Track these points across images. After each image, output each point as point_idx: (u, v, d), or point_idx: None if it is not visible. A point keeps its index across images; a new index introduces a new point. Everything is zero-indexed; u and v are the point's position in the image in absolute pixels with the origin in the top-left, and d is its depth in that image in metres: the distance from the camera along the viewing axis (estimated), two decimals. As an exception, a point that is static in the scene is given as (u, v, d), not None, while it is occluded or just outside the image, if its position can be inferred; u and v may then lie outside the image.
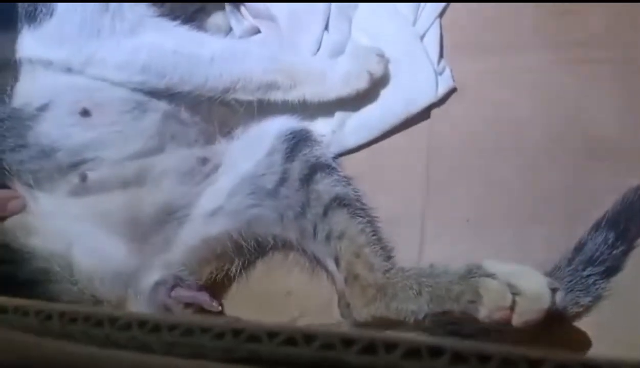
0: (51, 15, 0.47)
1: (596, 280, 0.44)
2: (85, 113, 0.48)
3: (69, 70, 0.48)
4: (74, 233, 0.47)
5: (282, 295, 0.53)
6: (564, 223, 0.48)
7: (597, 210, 0.47)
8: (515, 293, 0.39)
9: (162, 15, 0.51)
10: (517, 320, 0.38)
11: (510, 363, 0.16)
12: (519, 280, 0.39)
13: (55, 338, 0.20)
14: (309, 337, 0.18)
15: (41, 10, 0.46)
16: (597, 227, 0.46)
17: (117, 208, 0.48)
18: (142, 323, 0.19)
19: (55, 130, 0.47)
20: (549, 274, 0.45)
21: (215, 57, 0.51)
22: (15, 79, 0.48)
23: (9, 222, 0.47)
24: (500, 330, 0.40)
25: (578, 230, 0.47)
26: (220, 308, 0.47)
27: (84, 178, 0.47)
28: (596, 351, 0.44)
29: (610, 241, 0.44)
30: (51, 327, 0.20)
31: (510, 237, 0.49)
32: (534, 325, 0.38)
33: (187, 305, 0.48)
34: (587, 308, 0.44)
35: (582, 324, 0.44)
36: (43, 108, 0.47)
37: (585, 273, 0.44)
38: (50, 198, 0.48)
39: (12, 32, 0.47)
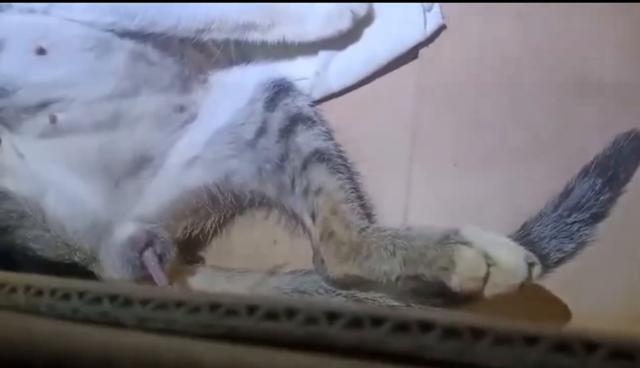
0: None
1: (581, 226, 0.44)
2: (41, 51, 0.45)
3: (30, 11, 0.45)
4: (47, 177, 0.45)
5: (269, 244, 0.52)
6: (552, 166, 0.47)
7: (587, 153, 0.46)
8: (490, 264, 0.37)
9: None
10: (488, 291, 0.37)
11: (505, 340, 0.15)
12: (496, 250, 0.38)
13: (20, 312, 0.18)
14: (291, 311, 0.16)
15: None
16: (585, 172, 0.45)
17: (90, 153, 0.46)
18: (113, 297, 0.18)
19: (12, 69, 0.45)
20: (534, 220, 0.45)
21: None
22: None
23: None
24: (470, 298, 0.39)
25: (566, 174, 0.46)
26: None
27: (53, 119, 0.45)
28: (578, 297, 0.43)
29: (597, 187, 0.44)
30: (15, 300, 0.19)
31: (497, 182, 0.48)
32: (505, 297, 0.37)
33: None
34: (570, 255, 0.44)
35: (564, 270, 0.44)
36: None
37: (570, 219, 0.44)
38: (22, 140, 0.46)
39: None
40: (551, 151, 0.48)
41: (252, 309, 0.16)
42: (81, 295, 0.18)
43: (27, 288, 0.19)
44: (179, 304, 0.17)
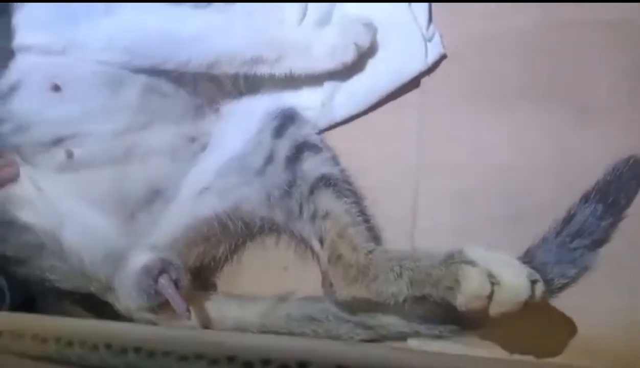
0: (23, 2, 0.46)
1: (583, 252, 0.45)
2: (56, 88, 0.47)
3: (47, 52, 0.46)
4: (64, 210, 0.47)
5: (280, 270, 0.53)
6: (553, 192, 0.48)
7: (588, 178, 0.47)
8: (494, 283, 0.38)
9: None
10: (493, 310, 0.39)
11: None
12: (500, 269, 0.39)
13: (51, 362, 0.20)
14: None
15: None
16: (586, 198, 0.46)
17: (105, 186, 0.48)
18: (137, 349, 0.19)
19: (28, 106, 0.47)
20: (537, 246, 0.46)
21: (198, 33, 0.49)
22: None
23: (0, 194, 0.47)
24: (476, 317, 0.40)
25: (567, 200, 0.47)
26: (190, 318, 0.47)
27: (69, 154, 0.47)
28: (580, 321, 0.45)
29: (598, 213, 0.45)
30: (48, 350, 0.20)
31: (500, 207, 0.49)
32: (511, 315, 0.38)
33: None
34: (574, 279, 0.45)
35: (567, 294, 0.45)
36: (13, 86, 0.47)
37: (572, 245, 0.45)
38: (39, 174, 0.48)
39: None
40: (552, 177, 0.49)
41: (266, 363, 0.18)
42: (108, 346, 0.19)
43: (58, 339, 0.20)
44: (199, 356, 0.18)
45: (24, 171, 0.47)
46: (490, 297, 0.38)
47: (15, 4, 0.47)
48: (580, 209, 0.46)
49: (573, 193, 0.47)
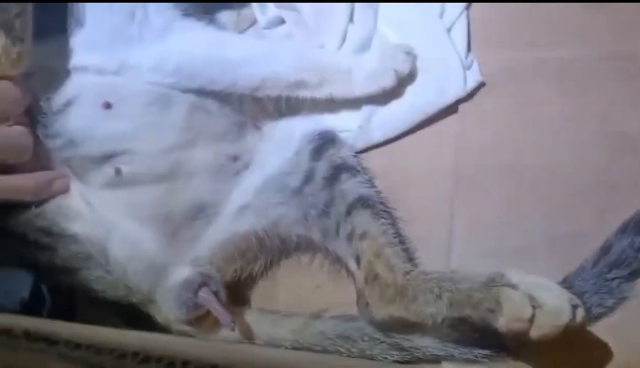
0: (81, 25, 0.48)
1: (621, 282, 0.45)
2: (107, 106, 0.49)
3: (101, 73, 0.49)
4: (110, 223, 0.49)
5: (312, 288, 0.54)
6: (592, 221, 0.49)
7: (627, 209, 0.47)
8: (535, 306, 0.39)
9: (188, 14, 0.52)
10: (534, 332, 0.39)
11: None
12: (541, 293, 0.40)
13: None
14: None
15: (71, 23, 0.48)
16: (624, 228, 0.46)
17: (151, 203, 0.50)
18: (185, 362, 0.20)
19: (80, 122, 0.49)
20: (575, 274, 0.47)
21: (244, 58, 0.51)
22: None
23: (51, 205, 0.48)
24: (516, 340, 0.41)
25: (606, 229, 0.47)
26: (234, 329, 0.48)
27: (118, 171, 0.49)
28: (616, 347, 0.45)
29: (636, 245, 0.45)
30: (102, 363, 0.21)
31: (538, 234, 0.50)
32: (551, 338, 0.39)
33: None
34: (611, 309, 0.45)
35: (604, 325, 0.45)
36: (67, 103, 0.48)
37: (610, 275, 0.45)
38: (88, 188, 0.49)
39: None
40: (590, 205, 0.49)
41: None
42: (159, 360, 0.20)
43: (90, 347, 0.21)
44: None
45: (74, 185, 0.49)
46: (531, 319, 0.39)
47: (74, 26, 0.49)
48: (617, 240, 0.46)
49: (611, 223, 0.47)
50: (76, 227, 0.48)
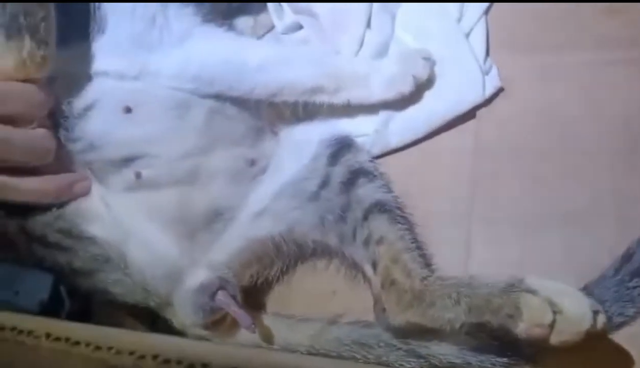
0: (103, 31, 0.49)
1: (643, 291, 0.44)
2: (128, 110, 0.50)
3: (122, 77, 0.49)
4: (129, 226, 0.49)
5: (328, 294, 0.54)
6: (613, 228, 0.48)
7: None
8: (555, 312, 0.39)
9: (208, 20, 0.52)
10: (555, 338, 0.39)
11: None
12: (561, 298, 0.39)
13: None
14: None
15: (93, 28, 0.49)
16: (646, 237, 0.45)
17: (169, 206, 0.50)
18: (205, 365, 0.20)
19: (101, 125, 0.49)
20: (596, 283, 0.46)
21: (262, 64, 0.52)
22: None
23: (71, 208, 0.49)
24: (536, 346, 0.40)
25: (627, 236, 0.46)
26: (255, 331, 0.48)
27: (138, 175, 0.50)
28: (638, 361, 0.43)
29: (659, 253, 0.44)
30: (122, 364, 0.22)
31: (557, 241, 0.49)
32: (571, 345, 0.38)
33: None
34: (632, 318, 0.44)
35: (625, 334, 0.44)
36: (88, 107, 0.49)
37: (631, 284, 0.44)
38: (108, 191, 0.50)
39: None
40: (612, 213, 0.48)
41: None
42: (179, 362, 0.20)
43: (131, 352, 0.21)
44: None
45: (94, 187, 0.50)
46: (552, 325, 0.38)
47: (95, 32, 0.50)
48: (639, 248, 0.45)
49: (633, 231, 0.46)
50: (95, 230, 0.49)
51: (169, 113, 0.50)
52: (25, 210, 0.48)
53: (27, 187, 0.46)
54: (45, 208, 0.48)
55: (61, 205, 0.48)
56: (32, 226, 0.48)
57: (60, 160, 0.48)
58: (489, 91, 0.54)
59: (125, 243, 0.49)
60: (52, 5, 0.46)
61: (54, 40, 0.46)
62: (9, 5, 0.45)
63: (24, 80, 0.46)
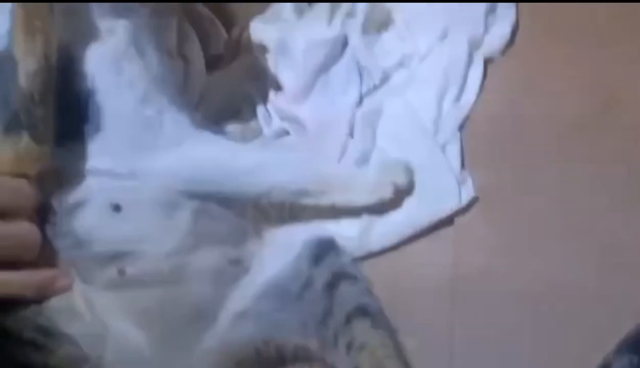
0: (99, 131, 0.51)
1: (622, 402, 0.44)
2: (116, 208, 0.50)
3: (114, 176, 0.51)
4: (110, 325, 0.48)
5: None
6: (589, 340, 0.49)
7: (620, 325, 0.47)
8: None
9: (201, 125, 0.55)
10: None
11: None
12: None
13: None
14: None
15: (90, 128, 0.50)
16: (619, 348, 0.46)
17: (151, 304, 0.50)
18: None
19: (89, 223, 0.50)
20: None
21: (251, 167, 0.54)
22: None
23: (51, 304, 0.48)
24: None
25: (604, 348, 0.47)
26: None
27: (122, 272, 0.49)
28: None
29: (635, 363, 0.45)
30: None
31: (537, 354, 0.50)
32: None
33: None
34: None
35: None
36: (78, 204, 0.50)
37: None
38: (89, 288, 0.49)
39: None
40: (589, 323, 0.50)
41: None
42: None
43: None
44: None
45: (76, 284, 0.49)
46: None
47: (92, 131, 0.51)
48: (615, 360, 0.46)
49: (606, 340, 0.47)
50: (75, 328, 0.47)
51: (157, 212, 0.51)
52: (2, 305, 0.46)
53: (8, 281, 0.46)
54: (24, 303, 0.47)
55: (41, 301, 0.47)
56: (8, 322, 0.46)
57: (44, 256, 0.48)
58: (465, 200, 0.57)
59: (103, 342, 0.48)
60: (52, 103, 0.48)
61: (51, 137, 0.48)
62: (11, 101, 0.46)
63: (17, 175, 0.47)
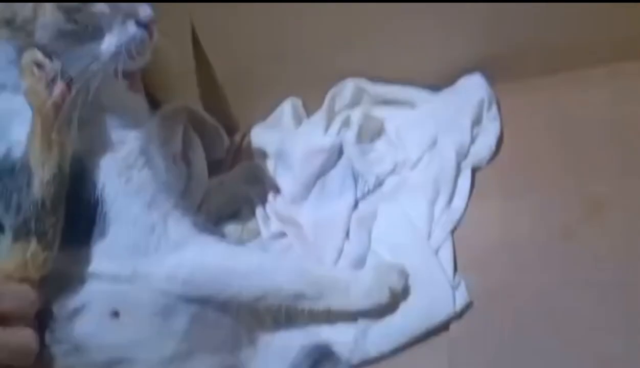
0: (103, 236, 0.52)
1: None
2: (115, 314, 0.51)
3: (115, 281, 0.52)
4: None
5: None
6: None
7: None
8: None
9: (202, 229, 0.57)
10: None
11: None
12: None
13: None
14: None
15: (95, 232, 0.52)
16: None
17: None
18: None
19: (87, 329, 0.50)
20: None
21: (250, 271, 0.55)
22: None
23: None
24: None
25: None
26: None
27: None
28: None
29: None
30: None
31: None
32: None
33: None
34: None
35: None
36: (77, 310, 0.51)
37: None
38: None
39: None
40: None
41: None
42: None
43: None
44: None
45: None
46: None
47: (97, 236, 0.52)
48: None
49: None
50: None
51: (154, 319, 0.52)
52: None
53: None
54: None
55: None
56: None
57: (41, 362, 0.48)
58: (459, 305, 0.57)
59: None
60: (63, 211, 0.49)
61: (57, 244, 0.49)
62: (23, 209, 0.48)
63: (21, 279, 0.47)
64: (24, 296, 0.47)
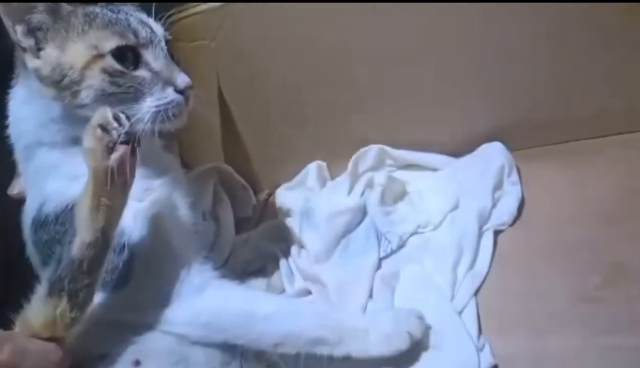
0: (127, 282, 0.52)
1: None
2: (137, 363, 0.51)
3: (135, 328, 0.52)
4: None
5: None
6: None
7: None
8: None
9: (224, 275, 0.57)
10: None
11: None
12: None
13: None
14: None
15: (119, 281, 0.52)
16: None
17: None
18: None
19: None
20: None
21: (269, 315, 0.55)
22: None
23: None
24: None
25: None
26: None
27: None
28: None
29: None
30: None
31: None
32: None
33: None
34: None
35: None
36: (100, 359, 0.51)
37: None
38: None
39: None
40: None
41: None
42: None
43: None
44: None
45: None
46: None
47: (119, 281, 0.52)
48: None
49: None
50: None
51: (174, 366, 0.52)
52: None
53: None
54: None
55: None
56: None
57: None
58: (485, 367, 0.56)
59: None
60: (99, 275, 0.48)
61: (87, 306, 0.48)
62: (62, 265, 0.46)
63: (48, 338, 0.47)
64: (50, 356, 0.47)
